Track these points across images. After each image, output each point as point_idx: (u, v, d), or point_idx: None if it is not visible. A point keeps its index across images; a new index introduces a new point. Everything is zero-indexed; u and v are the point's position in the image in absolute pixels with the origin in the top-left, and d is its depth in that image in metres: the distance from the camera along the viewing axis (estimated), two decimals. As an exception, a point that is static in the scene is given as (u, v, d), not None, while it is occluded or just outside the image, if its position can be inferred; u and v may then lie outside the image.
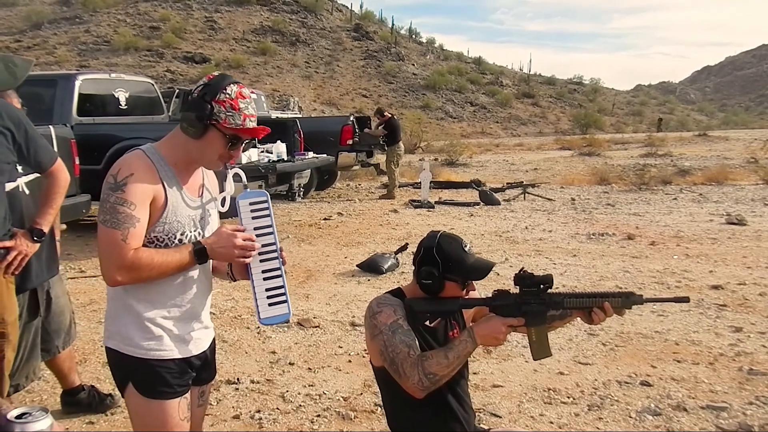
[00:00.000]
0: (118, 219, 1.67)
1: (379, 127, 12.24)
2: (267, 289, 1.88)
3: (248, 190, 1.92)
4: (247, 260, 1.82)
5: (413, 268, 2.08)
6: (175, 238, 1.78)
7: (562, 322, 2.04)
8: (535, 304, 1.92)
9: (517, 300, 1.92)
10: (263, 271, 1.88)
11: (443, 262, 1.95)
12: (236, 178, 1.96)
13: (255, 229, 1.86)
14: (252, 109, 1.80)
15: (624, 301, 1.92)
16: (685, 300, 2.05)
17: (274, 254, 1.89)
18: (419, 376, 1.85)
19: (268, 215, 1.89)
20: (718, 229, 8.72)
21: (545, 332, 1.95)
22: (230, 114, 1.74)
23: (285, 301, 1.90)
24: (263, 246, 1.86)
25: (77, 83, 7.94)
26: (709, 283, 5.92)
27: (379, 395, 3.58)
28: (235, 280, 1.99)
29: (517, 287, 1.95)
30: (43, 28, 43.87)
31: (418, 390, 1.87)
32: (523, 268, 1.99)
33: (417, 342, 1.91)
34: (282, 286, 1.90)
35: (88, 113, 8.07)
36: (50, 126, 6.03)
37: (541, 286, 1.92)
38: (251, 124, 1.79)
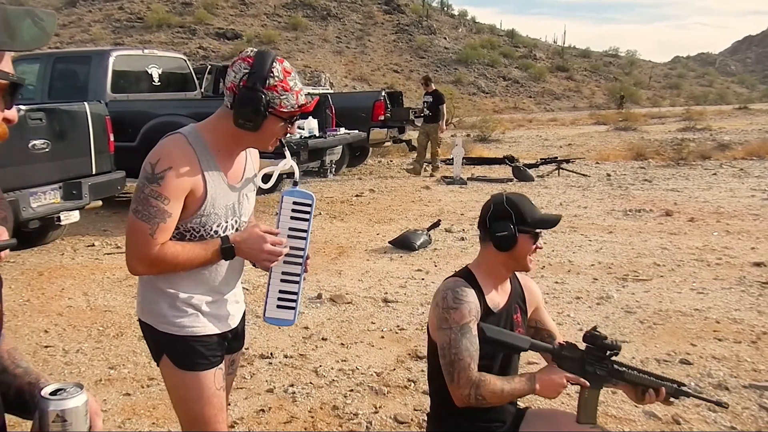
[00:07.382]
0: (149, 212, 1.64)
1: (440, 106, 11.86)
2: (281, 291, 1.86)
3: (297, 187, 1.87)
4: (271, 265, 1.79)
5: (479, 234, 2.05)
6: (211, 230, 1.75)
7: (614, 387, 2.02)
8: (599, 368, 1.90)
9: (583, 357, 1.91)
10: (283, 273, 1.85)
11: (515, 213, 1.96)
12: (290, 172, 1.92)
13: (290, 229, 1.82)
14: (300, 82, 1.73)
15: (676, 390, 1.90)
16: (724, 405, 2.05)
17: (299, 260, 1.85)
18: (470, 392, 1.84)
19: (308, 219, 1.84)
20: (760, 204, 8.48)
21: (597, 396, 1.93)
22: (284, 97, 1.67)
23: (294, 308, 1.87)
24: (291, 248, 1.82)
25: (111, 60, 8.01)
26: (751, 260, 5.76)
27: (412, 371, 3.59)
28: (256, 267, 1.95)
29: (585, 344, 1.92)
30: (78, 5, 44.44)
31: (461, 401, 1.87)
32: (596, 326, 1.96)
33: (478, 353, 1.89)
34: (296, 293, 1.87)
35: (122, 90, 8.14)
36: (85, 103, 6.11)
37: (608, 352, 1.90)
38: (303, 98, 1.73)
